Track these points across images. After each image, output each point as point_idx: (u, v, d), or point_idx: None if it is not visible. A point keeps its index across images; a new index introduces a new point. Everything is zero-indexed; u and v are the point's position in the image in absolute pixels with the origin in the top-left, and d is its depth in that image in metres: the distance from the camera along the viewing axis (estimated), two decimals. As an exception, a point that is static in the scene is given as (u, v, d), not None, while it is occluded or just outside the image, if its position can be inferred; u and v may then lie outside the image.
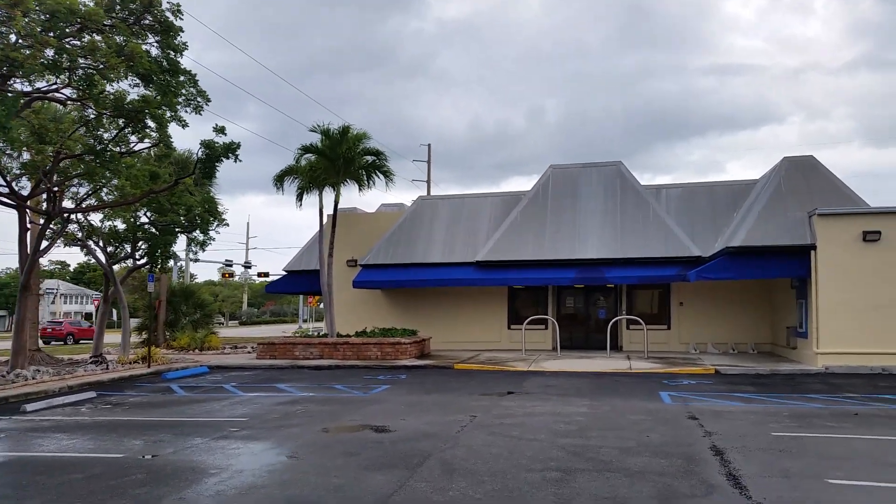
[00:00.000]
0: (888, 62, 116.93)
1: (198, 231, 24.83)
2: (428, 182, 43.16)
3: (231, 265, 58.13)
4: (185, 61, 20.03)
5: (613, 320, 22.88)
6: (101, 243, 23.81)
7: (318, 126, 22.53)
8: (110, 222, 23.90)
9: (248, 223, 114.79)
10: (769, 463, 8.00)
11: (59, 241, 22.36)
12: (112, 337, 32.57)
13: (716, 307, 23.10)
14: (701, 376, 17.05)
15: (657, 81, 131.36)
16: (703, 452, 8.53)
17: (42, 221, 19.57)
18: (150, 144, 19.78)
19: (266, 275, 53.13)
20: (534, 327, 23.91)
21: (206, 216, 24.00)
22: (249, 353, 25.61)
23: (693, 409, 12.06)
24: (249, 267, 59.87)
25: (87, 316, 76.48)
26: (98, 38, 15.84)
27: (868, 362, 17.20)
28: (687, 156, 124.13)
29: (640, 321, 22.12)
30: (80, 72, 15.69)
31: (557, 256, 22.98)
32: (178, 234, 24.90)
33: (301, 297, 54.50)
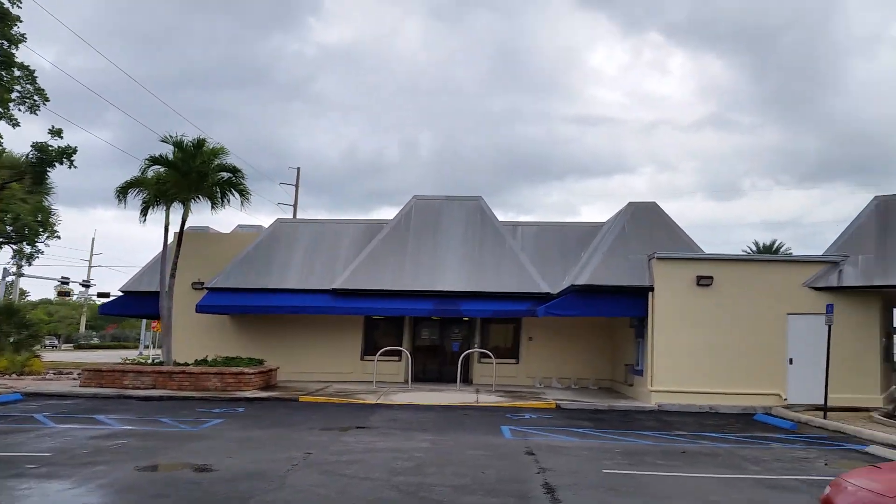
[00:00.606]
0: (730, 123, 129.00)
1: (25, 242, 22.54)
2: (294, 206, 42.05)
3: (67, 282, 53.50)
4: (41, 62, 18.27)
5: (465, 353, 22.96)
6: None
7: (171, 137, 21.22)
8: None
9: (92, 238, 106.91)
10: (598, 501, 8.03)
11: None
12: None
13: (562, 343, 23.80)
14: (543, 410, 17.35)
15: (525, 125, 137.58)
16: (535, 490, 8.46)
17: None
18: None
19: (107, 295, 49.30)
20: (388, 359, 23.51)
21: (36, 226, 21.84)
22: (74, 379, 23.36)
23: (532, 443, 12.12)
24: (88, 286, 55.47)
25: None
26: None
27: (697, 401, 18.21)
28: (546, 197, 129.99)
29: (490, 355, 22.34)
30: None
31: (416, 287, 22.85)
32: (2, 245, 22.48)
33: (144, 321, 50.99)
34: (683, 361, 18.46)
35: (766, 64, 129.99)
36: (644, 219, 20.88)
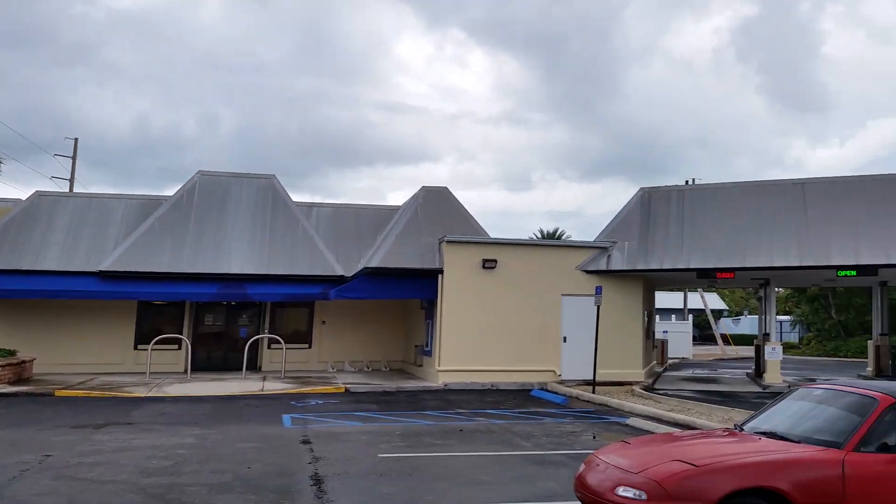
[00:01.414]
0: (524, 120, 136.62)
1: None
2: (71, 181, 37.47)
3: None
4: None
5: (252, 339, 21.82)
6: None
7: None
8: None
9: None
10: (366, 490, 7.71)
11: None
12: None
13: (355, 326, 23.48)
14: (330, 395, 16.89)
15: (332, 108, 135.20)
16: (303, 482, 7.96)
17: None
18: None
19: None
20: (165, 347, 21.64)
21: None
22: None
23: (311, 431, 11.61)
24: None
25: None
26: None
27: (481, 379, 18.77)
28: (356, 182, 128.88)
29: (280, 340, 21.43)
30: None
31: (197, 270, 21.21)
32: None
33: None
34: (469, 341, 18.92)
35: (556, 67, 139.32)
36: (436, 203, 21.09)
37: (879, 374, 22.45)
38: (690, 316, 42.54)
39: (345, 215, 24.25)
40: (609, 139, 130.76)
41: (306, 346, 23.37)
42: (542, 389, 18.17)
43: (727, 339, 48.48)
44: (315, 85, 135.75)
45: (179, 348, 22.22)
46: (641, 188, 20.76)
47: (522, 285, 19.35)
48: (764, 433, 5.47)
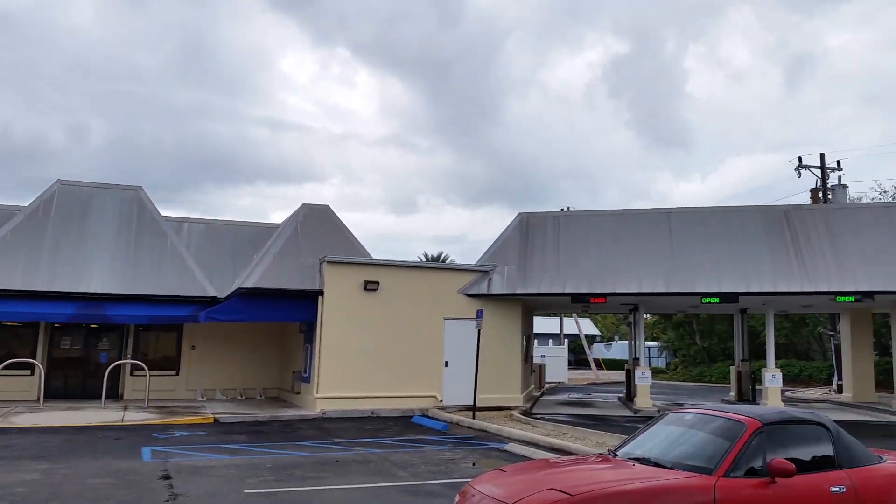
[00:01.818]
0: (409, 144, 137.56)
1: None
2: None
3: None
4: None
5: (113, 365, 20.23)
6: None
7: None
8: None
9: None
10: (227, 529, 7.10)
11: None
12: None
13: (228, 351, 22.32)
14: (198, 426, 15.84)
15: (211, 122, 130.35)
16: (156, 524, 7.24)
17: None
18: None
19: None
20: (15, 373, 19.66)
21: None
22: None
23: (172, 466, 10.73)
24: None
25: None
26: None
27: (361, 406, 18.27)
28: (237, 200, 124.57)
29: (144, 366, 20.01)
30: None
31: (54, 288, 19.49)
32: None
33: None
34: (350, 366, 18.41)
35: (441, 93, 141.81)
36: (317, 222, 20.54)
37: (741, 398, 23.83)
38: (566, 341, 43.79)
39: (219, 232, 23.15)
40: (492, 166, 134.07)
41: (173, 372, 21.96)
42: (423, 416, 17.91)
43: (599, 364, 50.27)
44: (194, 97, 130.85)
45: (32, 374, 20.27)
46: (520, 213, 21.16)
47: (405, 308, 19.10)
48: (637, 459, 5.45)
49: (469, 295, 19.64)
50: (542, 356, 36.39)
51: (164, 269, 20.73)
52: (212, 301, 20.25)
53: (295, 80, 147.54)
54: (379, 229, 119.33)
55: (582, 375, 44.46)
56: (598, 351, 59.18)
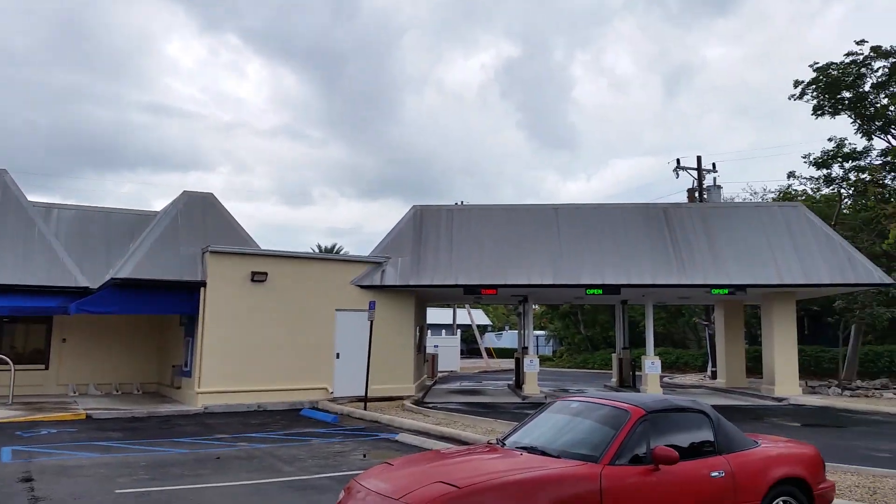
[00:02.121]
0: (301, 135, 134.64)
1: None
2: None
3: None
4: None
5: (-30, 360, 18.52)
6: None
7: None
8: None
9: None
10: (92, 537, 6.57)
11: None
12: None
13: (103, 344, 20.94)
14: (68, 423, 14.74)
15: (90, 106, 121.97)
16: (10, 534, 6.60)
17: None
18: None
19: None
20: None
21: None
22: None
23: (35, 466, 9.90)
24: None
25: None
26: None
27: (246, 400, 17.63)
28: (118, 187, 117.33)
29: (8, 360, 18.43)
30: None
31: None
32: None
33: None
34: (235, 360, 17.70)
35: (335, 86, 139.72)
36: (199, 210, 19.56)
37: (622, 384, 24.85)
38: (458, 331, 44.28)
39: (92, 219, 21.62)
40: (387, 161, 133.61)
41: (42, 367, 20.38)
42: (312, 408, 17.50)
43: (491, 353, 51.17)
44: (71, 79, 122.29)
45: None
46: (414, 206, 21.08)
47: (295, 300, 18.57)
48: (525, 448, 5.45)
49: (362, 286, 19.35)
50: (435, 346, 36.63)
51: (30, 257, 19.13)
52: (83, 292, 18.91)
53: (180, 66, 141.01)
54: (271, 220, 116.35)
55: (474, 364, 45.12)
56: (490, 340, 60.30)
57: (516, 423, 6.45)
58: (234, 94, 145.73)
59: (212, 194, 20.16)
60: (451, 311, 48.83)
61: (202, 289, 17.66)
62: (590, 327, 46.21)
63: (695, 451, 5.49)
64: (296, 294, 18.58)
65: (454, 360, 38.38)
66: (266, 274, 18.14)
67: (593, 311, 45.03)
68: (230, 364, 17.68)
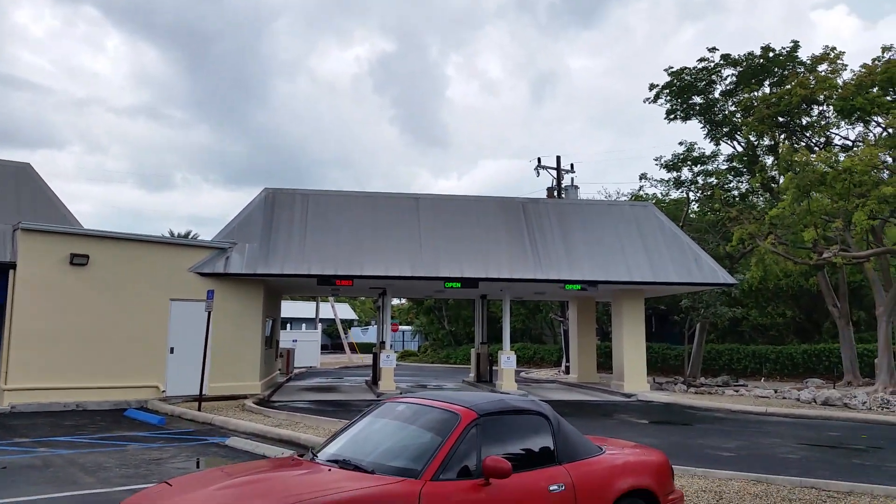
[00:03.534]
0: (164, 116, 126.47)
1: None
2: None
3: None
4: None
5: None
6: None
7: None
8: None
9: None
10: None
11: None
12: None
13: None
14: None
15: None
16: None
17: None
18: None
19: None
20: None
21: None
22: None
23: None
24: None
25: None
26: None
27: (63, 398, 15.61)
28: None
29: None
30: None
31: None
32: None
33: None
34: (50, 353, 15.61)
35: (202, 67, 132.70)
36: (13, 184, 17.16)
37: (479, 379, 24.60)
38: (320, 325, 42.79)
39: None
40: (255, 147, 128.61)
41: None
42: (139, 409, 15.73)
43: (354, 348, 50.07)
44: None
45: None
46: (265, 188, 19.64)
47: (123, 287, 16.65)
48: (336, 461, 4.55)
49: (203, 274, 17.68)
50: (294, 340, 35.10)
51: None
52: None
53: (30, 34, 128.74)
54: (126, 205, 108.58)
55: (336, 359, 43.85)
56: (356, 335, 59.06)
57: (337, 429, 5.55)
58: (90, 69, 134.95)
59: (28, 164, 17.75)
60: (313, 304, 47.18)
61: (11, 271, 15.41)
62: (453, 322, 46.18)
63: (532, 460, 4.78)
64: (124, 280, 16.66)
65: (314, 356, 36.96)
66: (87, 256, 16.10)
67: (457, 306, 45.03)
68: (45, 358, 15.57)
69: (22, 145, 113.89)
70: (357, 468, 4.39)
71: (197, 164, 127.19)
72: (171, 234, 50.14)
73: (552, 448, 4.92)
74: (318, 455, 4.87)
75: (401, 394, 18.94)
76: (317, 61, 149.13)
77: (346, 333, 51.20)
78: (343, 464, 4.50)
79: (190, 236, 53.59)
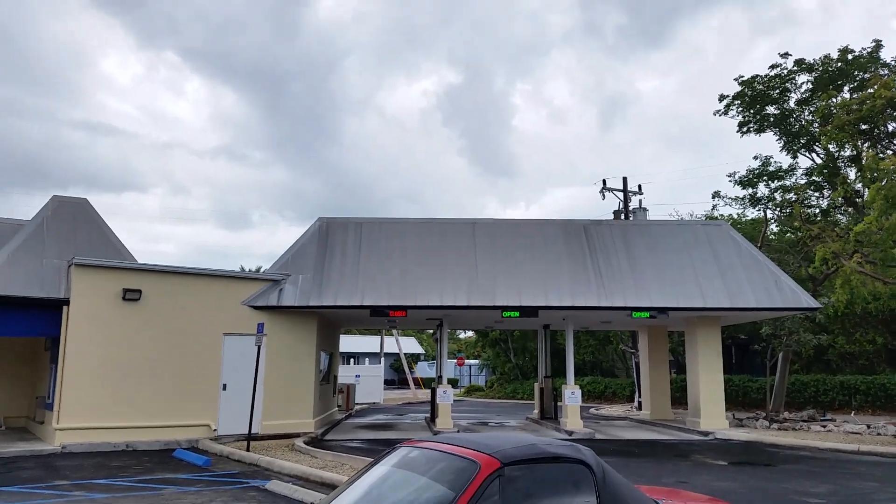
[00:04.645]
0: (243, 156, 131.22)
1: None
2: None
3: None
4: None
5: None
6: None
7: None
8: None
9: None
10: None
11: None
12: None
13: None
14: None
15: (20, 120, 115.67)
16: None
17: None
18: None
19: None
20: None
21: None
22: None
23: None
24: None
25: None
26: None
27: (114, 438, 15.35)
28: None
29: None
30: None
31: None
32: None
33: None
34: (101, 391, 15.44)
35: (277, 107, 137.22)
36: (70, 219, 17.21)
37: (543, 415, 23.36)
38: (384, 360, 42.24)
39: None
40: (328, 184, 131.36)
41: None
42: (189, 449, 15.29)
43: (419, 383, 49.28)
44: (2, 92, 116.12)
45: None
46: (319, 218, 19.28)
47: (175, 322, 16.42)
48: (331, 522, 3.74)
49: (255, 307, 17.31)
50: (357, 376, 34.59)
51: None
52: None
53: (115, 82, 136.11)
54: (208, 244, 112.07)
55: (401, 395, 43.15)
56: (423, 370, 58.29)
57: (346, 479, 4.74)
58: (172, 113, 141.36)
59: (86, 200, 17.82)
60: (377, 338, 46.76)
61: (65, 307, 15.38)
62: (519, 355, 44.82)
63: (570, 521, 3.84)
64: (175, 315, 16.43)
65: (377, 391, 36.35)
66: (140, 291, 15.95)
67: (523, 337, 43.71)
68: (96, 396, 15.40)
69: (108, 189, 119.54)
70: (350, 532, 3.55)
71: (274, 203, 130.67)
72: (243, 269, 50.89)
73: (596, 504, 3.95)
74: (315, 511, 4.06)
75: (458, 432, 18.04)
76: (385, 97, 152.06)
77: (411, 368, 50.50)
78: (336, 526, 3.68)
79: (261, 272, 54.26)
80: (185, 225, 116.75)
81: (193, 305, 16.66)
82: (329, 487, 10.60)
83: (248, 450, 14.33)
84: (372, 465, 4.46)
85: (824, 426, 19.49)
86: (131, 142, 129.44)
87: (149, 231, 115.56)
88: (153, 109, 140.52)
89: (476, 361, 57.13)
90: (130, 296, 15.85)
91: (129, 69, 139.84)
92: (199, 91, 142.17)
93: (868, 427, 18.60)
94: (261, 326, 15.20)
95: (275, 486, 10.85)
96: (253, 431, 15.50)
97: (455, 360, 53.08)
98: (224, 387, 16.78)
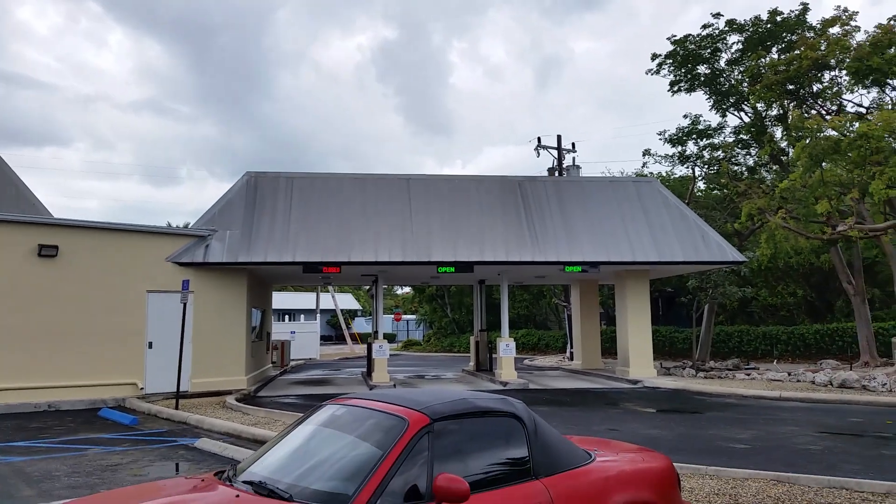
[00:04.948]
0: (168, 111, 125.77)
1: None
2: None
3: None
4: None
5: None
6: None
7: None
8: None
9: None
10: None
11: None
12: None
13: None
14: None
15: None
16: None
17: None
18: None
19: None
20: None
21: None
22: None
23: None
24: None
25: None
26: None
27: (35, 398, 14.77)
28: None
29: None
30: None
31: None
32: None
33: None
34: (18, 351, 14.77)
35: (206, 60, 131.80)
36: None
37: (479, 368, 23.67)
38: (320, 316, 41.95)
39: None
40: (261, 140, 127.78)
41: None
42: (114, 408, 14.85)
43: (356, 338, 49.26)
44: None
45: None
46: (247, 172, 18.67)
47: (96, 279, 15.75)
48: (252, 483, 3.60)
49: (181, 264, 16.73)
50: (292, 332, 34.28)
51: None
52: None
53: (34, 31, 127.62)
54: (133, 201, 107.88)
55: (338, 350, 43.08)
56: (361, 326, 58.22)
57: (273, 438, 4.59)
58: (94, 65, 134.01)
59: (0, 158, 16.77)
60: (314, 294, 46.31)
61: (-26, 266, 14.54)
62: (456, 310, 45.24)
63: (500, 475, 3.79)
64: (97, 272, 15.75)
65: (314, 347, 36.14)
66: (56, 248, 15.18)
67: (459, 293, 44.08)
68: (13, 356, 14.71)
69: (28, 143, 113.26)
70: (272, 493, 3.42)
71: (203, 159, 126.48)
72: (169, 226, 49.28)
73: (527, 458, 3.91)
74: (238, 474, 3.90)
75: (394, 386, 18.07)
76: (319, 51, 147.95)
77: (348, 324, 50.36)
78: (258, 487, 3.53)
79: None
80: (109, 181, 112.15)
81: (115, 262, 15.98)
82: (260, 444, 10.44)
83: (176, 408, 14.02)
84: (297, 423, 4.32)
85: (748, 374, 20.38)
86: (52, 94, 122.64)
87: (71, 187, 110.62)
88: (74, 61, 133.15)
89: (413, 316, 57.43)
90: (46, 252, 15.06)
91: (47, 19, 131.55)
92: (122, 43, 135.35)
93: (789, 375, 19.53)
94: (186, 283, 14.71)
95: (204, 443, 10.63)
96: (183, 389, 15.15)
97: (392, 316, 53.25)
98: (150, 345, 16.27)
